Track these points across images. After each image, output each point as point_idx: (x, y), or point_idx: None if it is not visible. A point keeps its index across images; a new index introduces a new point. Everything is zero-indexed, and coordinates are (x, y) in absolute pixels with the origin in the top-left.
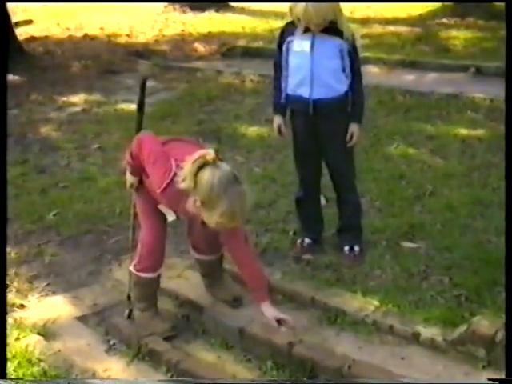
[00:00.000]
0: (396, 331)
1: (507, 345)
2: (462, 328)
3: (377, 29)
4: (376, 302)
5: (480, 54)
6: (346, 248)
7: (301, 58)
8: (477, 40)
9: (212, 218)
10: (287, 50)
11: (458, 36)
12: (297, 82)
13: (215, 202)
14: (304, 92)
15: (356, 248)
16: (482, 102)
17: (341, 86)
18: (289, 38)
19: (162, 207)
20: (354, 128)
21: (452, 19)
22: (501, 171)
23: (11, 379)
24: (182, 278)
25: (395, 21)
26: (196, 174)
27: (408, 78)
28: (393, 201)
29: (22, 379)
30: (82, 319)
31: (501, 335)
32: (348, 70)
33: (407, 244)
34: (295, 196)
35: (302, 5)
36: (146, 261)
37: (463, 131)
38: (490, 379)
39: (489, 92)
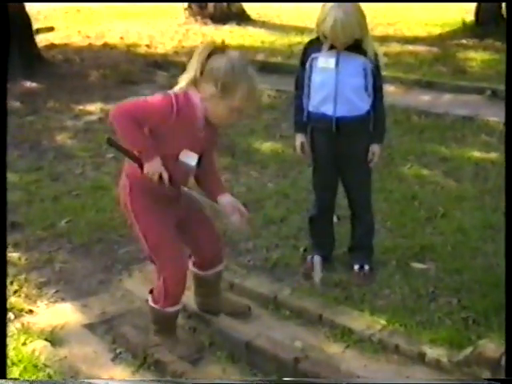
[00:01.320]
0: (402, 351)
1: (507, 345)
2: (468, 350)
3: (395, 47)
4: (383, 321)
5: (497, 76)
6: (356, 267)
7: (325, 75)
8: (494, 62)
9: (232, 103)
10: (311, 66)
11: (476, 58)
12: (320, 99)
13: (236, 84)
14: (327, 109)
15: (366, 267)
16: (497, 126)
17: (363, 104)
18: (313, 55)
19: (184, 154)
20: (375, 148)
21: (471, 40)
22: None
23: (11, 379)
24: (191, 291)
25: (414, 40)
26: (205, 62)
27: (424, 98)
28: (404, 221)
29: (22, 379)
30: (89, 327)
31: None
32: (370, 88)
33: (417, 265)
34: (309, 214)
35: (329, 22)
36: (172, 298)
37: (477, 154)
38: (487, 379)
39: (504, 116)
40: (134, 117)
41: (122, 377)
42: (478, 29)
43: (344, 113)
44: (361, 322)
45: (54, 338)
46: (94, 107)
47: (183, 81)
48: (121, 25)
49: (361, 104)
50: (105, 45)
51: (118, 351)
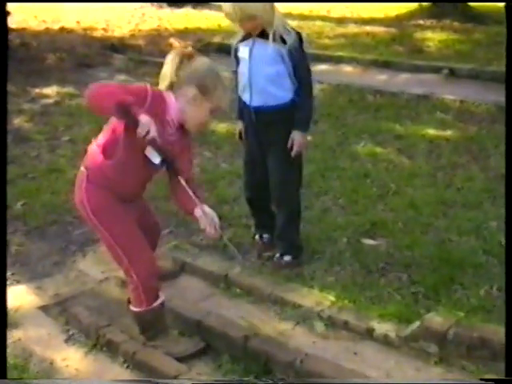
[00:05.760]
0: (351, 326)
1: (507, 345)
2: (415, 324)
3: (352, 28)
4: (332, 298)
5: (454, 55)
6: (277, 255)
7: (243, 65)
8: (451, 42)
9: (212, 103)
10: (236, 57)
11: (433, 37)
12: (241, 89)
13: (215, 84)
14: (246, 99)
15: (286, 258)
16: (452, 104)
17: (284, 93)
18: (236, 45)
19: (148, 150)
20: (295, 135)
21: (428, 20)
22: (466, 172)
23: (11, 379)
24: None
25: (371, 21)
26: (179, 67)
27: (380, 77)
28: (356, 199)
29: (21, 379)
30: (44, 309)
31: (453, 332)
32: (293, 75)
33: (368, 241)
34: (244, 195)
35: (226, 5)
36: (152, 292)
37: (431, 131)
38: (483, 379)
39: (460, 94)
40: (112, 88)
41: (76, 358)
42: (435, 9)
43: (260, 103)
44: (310, 298)
45: (9, 321)
46: (51, 90)
47: (161, 86)
48: (77, 9)
49: (280, 93)
50: (61, 29)
51: (71, 332)
